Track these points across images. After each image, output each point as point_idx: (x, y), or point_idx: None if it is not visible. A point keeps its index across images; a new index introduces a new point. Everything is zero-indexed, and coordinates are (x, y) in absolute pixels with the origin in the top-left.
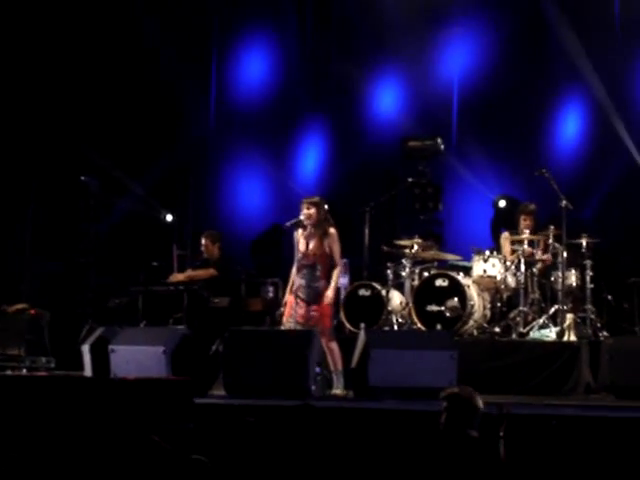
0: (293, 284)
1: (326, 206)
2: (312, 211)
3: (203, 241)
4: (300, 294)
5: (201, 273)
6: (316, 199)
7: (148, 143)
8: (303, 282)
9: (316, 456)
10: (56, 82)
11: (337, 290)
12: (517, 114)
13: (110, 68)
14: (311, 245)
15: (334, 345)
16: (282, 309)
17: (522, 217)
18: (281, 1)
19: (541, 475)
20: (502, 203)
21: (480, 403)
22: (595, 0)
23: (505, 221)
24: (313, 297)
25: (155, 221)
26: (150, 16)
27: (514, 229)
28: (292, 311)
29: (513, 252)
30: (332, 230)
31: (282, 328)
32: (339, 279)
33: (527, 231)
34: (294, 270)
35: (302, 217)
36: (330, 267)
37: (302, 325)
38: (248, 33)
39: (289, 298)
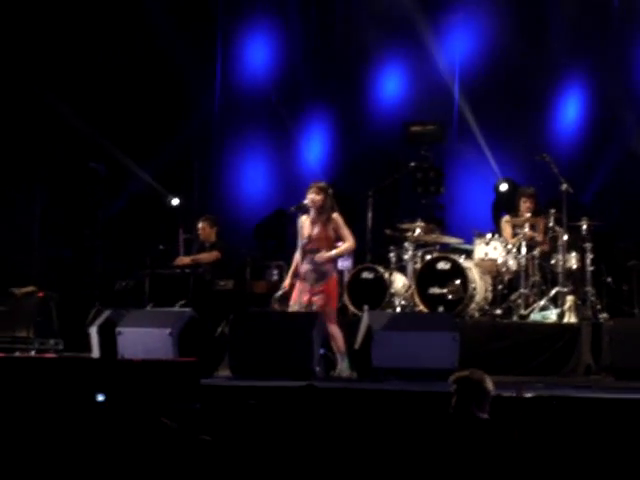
0: (297, 269)
1: (331, 192)
2: (319, 197)
3: (200, 225)
4: (306, 279)
5: (206, 256)
6: (323, 185)
7: (154, 129)
8: (310, 267)
9: (320, 436)
10: (64, 69)
11: (340, 273)
12: (518, 99)
13: (116, 54)
14: (316, 230)
15: (337, 328)
16: (280, 292)
17: (522, 200)
18: None
19: (542, 455)
20: (503, 187)
21: (490, 386)
22: None
23: (506, 205)
24: (319, 279)
25: (161, 205)
26: (156, 1)
27: (515, 212)
28: (297, 296)
29: (514, 235)
30: (335, 215)
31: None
32: (345, 261)
33: (528, 214)
34: (297, 255)
35: (307, 202)
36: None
37: (307, 309)
38: (253, 19)
39: (296, 283)
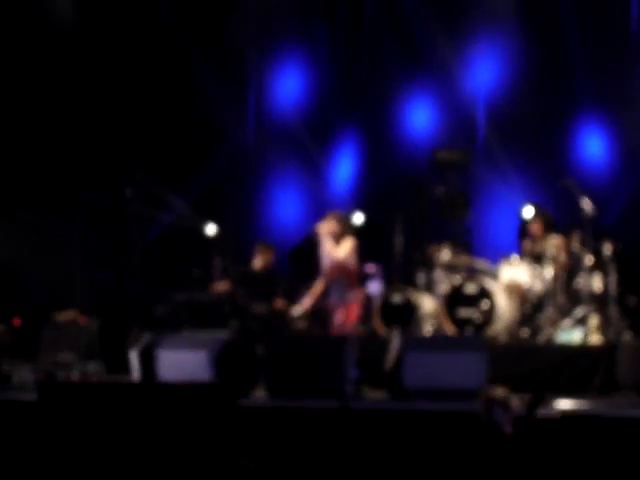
0: (317, 291)
1: (347, 221)
2: (334, 226)
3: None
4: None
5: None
6: (342, 214)
7: (190, 159)
8: (335, 295)
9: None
10: (103, 99)
11: (369, 298)
12: (541, 127)
13: (154, 86)
14: (327, 259)
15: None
16: (299, 311)
17: (531, 223)
18: (314, 18)
19: (568, 473)
20: (527, 212)
21: (515, 403)
22: (613, 18)
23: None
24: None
25: (197, 232)
26: (190, 35)
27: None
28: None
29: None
30: (347, 239)
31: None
32: (374, 284)
33: (541, 234)
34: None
35: (323, 227)
36: (355, 275)
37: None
38: (282, 47)
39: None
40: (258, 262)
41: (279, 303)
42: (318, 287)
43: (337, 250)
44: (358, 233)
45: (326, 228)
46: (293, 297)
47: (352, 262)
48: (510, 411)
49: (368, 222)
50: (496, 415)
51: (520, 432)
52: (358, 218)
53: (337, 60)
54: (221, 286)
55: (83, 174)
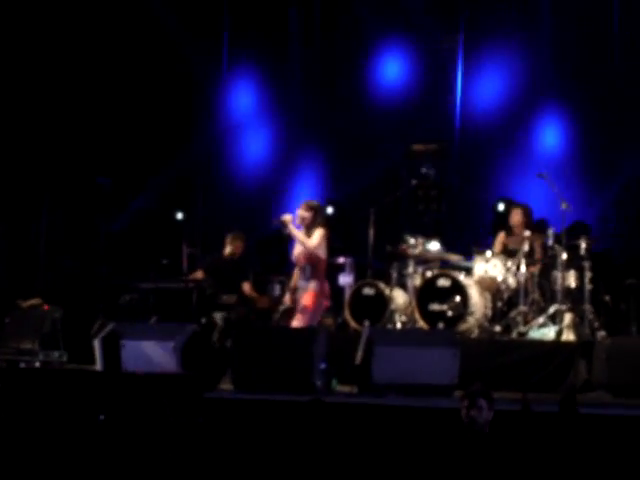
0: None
1: (321, 210)
2: (307, 214)
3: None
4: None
5: None
6: (313, 203)
7: (160, 147)
8: (300, 284)
9: (322, 450)
10: (73, 86)
11: (341, 289)
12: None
13: (123, 72)
14: (299, 248)
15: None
16: (284, 307)
17: (513, 212)
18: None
19: (538, 471)
20: (501, 207)
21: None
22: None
23: (504, 224)
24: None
25: (165, 220)
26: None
27: (509, 230)
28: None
29: (505, 252)
30: (319, 229)
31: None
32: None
33: (519, 227)
34: (296, 270)
35: (289, 217)
36: (322, 265)
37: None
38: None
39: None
40: (227, 251)
41: (247, 287)
42: (294, 280)
43: (308, 239)
44: (330, 224)
45: (297, 217)
46: (263, 287)
47: (321, 252)
48: (491, 409)
49: (340, 213)
50: (476, 413)
51: (495, 430)
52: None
53: (311, 53)
54: (198, 275)
55: (51, 161)
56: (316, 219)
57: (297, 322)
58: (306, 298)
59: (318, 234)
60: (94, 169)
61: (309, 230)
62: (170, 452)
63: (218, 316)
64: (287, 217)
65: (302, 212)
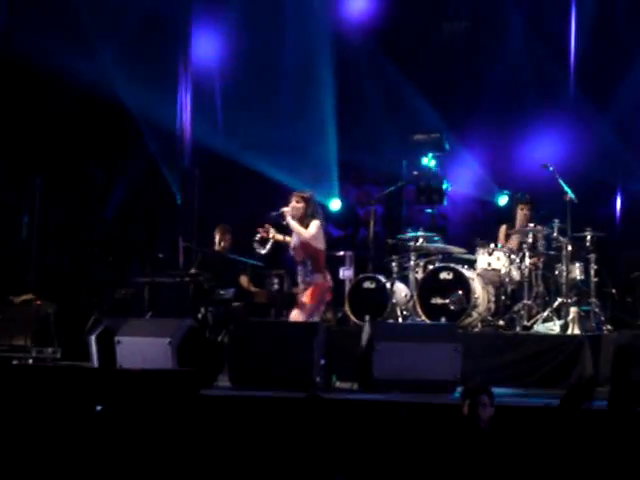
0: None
1: (314, 201)
2: (299, 205)
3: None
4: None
5: None
6: (305, 193)
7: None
8: (300, 278)
9: (322, 446)
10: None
11: (342, 282)
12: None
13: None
14: (295, 239)
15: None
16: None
17: (519, 207)
18: None
19: (543, 466)
20: (503, 199)
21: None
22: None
23: (507, 216)
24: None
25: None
26: None
27: (512, 222)
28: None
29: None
30: (314, 221)
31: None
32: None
33: (525, 222)
34: None
35: (288, 209)
36: (321, 257)
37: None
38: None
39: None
40: (219, 244)
41: (244, 280)
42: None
43: (304, 230)
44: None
45: (290, 208)
46: (261, 281)
47: (320, 243)
48: (492, 405)
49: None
50: (480, 410)
51: (496, 427)
52: (335, 204)
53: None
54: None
55: (41, 152)
56: (308, 210)
57: (298, 316)
58: (310, 292)
59: (314, 225)
60: (86, 160)
61: (302, 222)
62: (166, 449)
63: (208, 313)
64: (286, 209)
65: (294, 203)
